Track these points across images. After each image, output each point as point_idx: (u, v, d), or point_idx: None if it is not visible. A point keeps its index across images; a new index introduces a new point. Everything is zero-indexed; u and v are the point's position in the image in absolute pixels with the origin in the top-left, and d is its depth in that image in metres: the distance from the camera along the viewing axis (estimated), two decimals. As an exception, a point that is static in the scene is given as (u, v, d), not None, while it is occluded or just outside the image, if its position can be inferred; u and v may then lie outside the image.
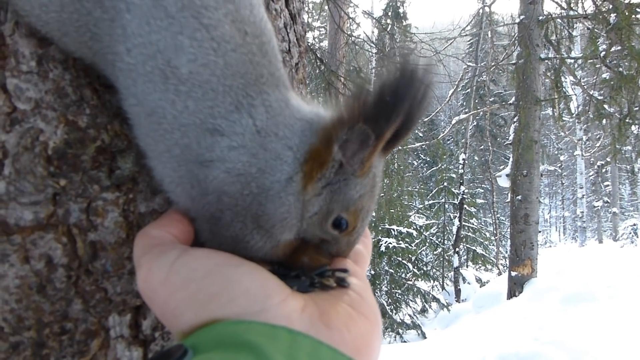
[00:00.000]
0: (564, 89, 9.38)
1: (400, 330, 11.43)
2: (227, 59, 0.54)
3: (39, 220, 0.56)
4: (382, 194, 12.11)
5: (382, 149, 0.56)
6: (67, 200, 0.58)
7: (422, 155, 24.66)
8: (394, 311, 11.80)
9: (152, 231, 0.55)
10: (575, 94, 11.56)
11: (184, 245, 0.53)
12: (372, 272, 11.91)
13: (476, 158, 25.24)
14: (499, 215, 21.04)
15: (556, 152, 30.74)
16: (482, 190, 23.96)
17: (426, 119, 17.96)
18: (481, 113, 15.80)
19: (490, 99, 17.85)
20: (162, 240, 0.53)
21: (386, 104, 0.51)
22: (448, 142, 23.42)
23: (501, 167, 14.11)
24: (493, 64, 11.48)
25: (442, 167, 16.19)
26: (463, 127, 16.01)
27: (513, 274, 9.44)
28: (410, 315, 11.91)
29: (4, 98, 0.54)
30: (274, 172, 0.54)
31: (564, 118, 10.38)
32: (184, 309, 0.45)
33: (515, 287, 9.35)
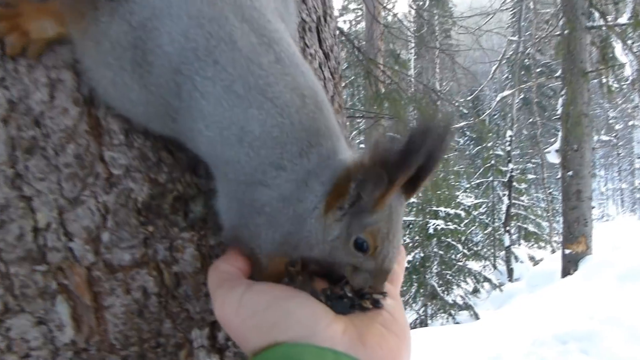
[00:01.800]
0: (614, 58, 9.02)
1: (453, 312, 11.45)
2: (292, 119, 0.67)
3: (135, 260, 0.72)
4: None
5: (405, 190, 0.67)
6: (155, 242, 0.73)
7: (467, 133, 24.09)
8: (446, 292, 11.82)
9: (221, 265, 0.69)
10: (629, 61, 11.05)
11: (248, 280, 0.66)
12: (422, 254, 11.96)
13: (525, 132, 24.50)
14: (551, 190, 20.47)
15: (611, 122, 29.42)
16: (533, 166, 23.27)
17: (470, 97, 17.63)
18: (529, 83, 15.34)
19: (537, 70, 17.28)
20: (230, 274, 0.67)
21: (401, 153, 0.61)
22: (494, 117, 22.77)
23: (552, 140, 13.72)
24: (537, 36, 11.13)
25: (488, 145, 15.87)
26: (509, 103, 15.61)
27: (567, 251, 9.26)
28: (462, 296, 11.90)
29: (103, 167, 0.70)
30: (308, 201, 0.67)
31: (617, 86, 9.99)
32: (252, 335, 0.59)
33: (569, 265, 9.17)
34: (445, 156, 0.69)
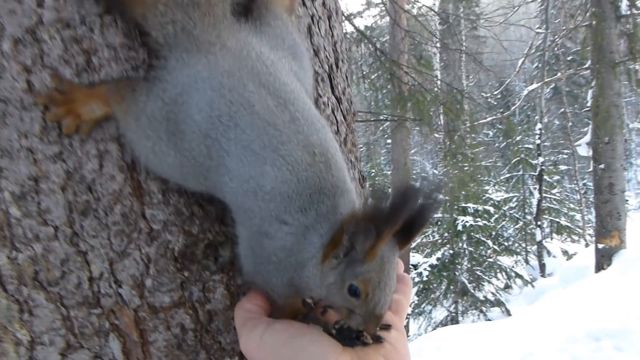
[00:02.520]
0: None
1: (484, 308, 11.40)
2: (299, 176, 0.76)
3: (174, 301, 0.83)
4: (456, 171, 11.98)
5: (399, 241, 0.76)
6: (190, 285, 0.85)
7: (497, 125, 23.67)
8: (476, 289, 11.77)
9: (245, 305, 0.80)
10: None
11: (268, 319, 0.77)
12: (451, 251, 11.93)
13: (556, 122, 23.97)
14: (585, 182, 20.03)
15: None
16: (565, 157, 22.76)
17: (497, 91, 17.38)
18: (558, 74, 15.04)
19: (568, 58, 16.91)
20: (253, 313, 0.78)
21: (387, 210, 0.70)
22: (525, 108, 22.31)
23: (584, 130, 13.45)
24: (564, 27, 10.93)
25: (517, 139, 15.64)
26: (538, 95, 15.34)
27: (600, 246, 9.13)
28: (493, 293, 11.83)
29: (144, 223, 0.82)
30: (306, 251, 0.76)
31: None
32: None
33: (603, 260, 9.04)
34: (433, 215, 0.78)
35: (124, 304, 0.81)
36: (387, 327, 0.78)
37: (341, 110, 1.15)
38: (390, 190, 0.72)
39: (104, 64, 0.79)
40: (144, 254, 0.82)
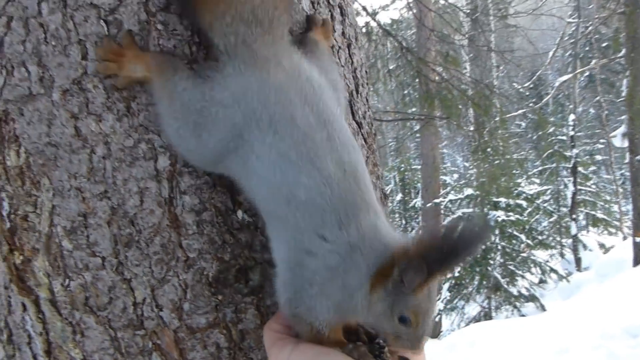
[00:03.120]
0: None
1: (518, 304, 11.26)
2: (333, 189, 0.81)
3: (209, 322, 0.92)
4: (487, 165, 11.84)
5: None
6: (223, 307, 0.93)
7: (530, 116, 23.12)
8: (510, 284, 11.63)
9: (274, 325, 0.87)
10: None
11: (295, 340, 0.83)
12: (483, 246, 11.80)
13: (592, 111, 23.30)
14: (622, 171, 19.45)
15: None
16: (602, 146, 22.10)
17: (528, 82, 17.03)
18: (592, 62, 14.63)
19: (603, 44, 16.42)
20: (281, 332, 0.85)
21: (444, 254, 0.73)
22: (558, 97, 21.73)
23: (621, 118, 13.08)
24: (597, 16, 10.65)
25: (550, 130, 15.29)
26: (571, 85, 14.97)
27: (638, 239, 8.91)
28: (527, 288, 11.67)
29: (182, 252, 0.90)
30: (352, 276, 0.80)
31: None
32: None
33: (640, 254, 8.83)
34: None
35: (164, 325, 0.90)
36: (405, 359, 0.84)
37: (362, 134, 1.21)
38: (447, 229, 0.75)
39: (142, 108, 0.87)
40: (181, 280, 0.90)
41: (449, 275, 11.77)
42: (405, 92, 8.95)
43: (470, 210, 12.06)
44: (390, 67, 8.92)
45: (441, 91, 6.65)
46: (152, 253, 0.89)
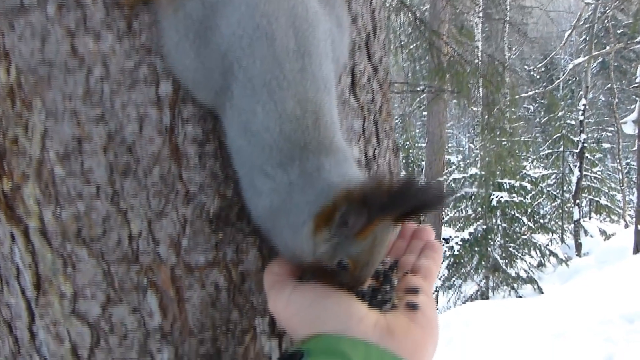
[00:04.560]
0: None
1: (515, 285, 11.29)
2: (283, 128, 0.76)
3: (208, 261, 0.86)
4: (493, 145, 11.73)
5: (393, 219, 0.73)
6: (224, 246, 0.87)
7: (538, 99, 22.90)
8: (509, 265, 11.65)
9: (274, 268, 0.82)
10: None
11: (295, 281, 0.78)
12: (484, 226, 11.80)
13: (602, 98, 23.06)
14: (628, 161, 19.35)
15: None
16: (609, 134, 21.92)
17: (540, 63, 16.82)
18: (606, 48, 14.38)
19: (619, 31, 16.13)
20: (281, 275, 0.80)
21: (387, 199, 0.67)
22: (569, 83, 21.48)
23: (631, 107, 12.93)
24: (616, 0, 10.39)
25: (559, 114, 15.11)
26: (584, 70, 14.73)
27: (640, 227, 8.87)
28: (525, 270, 11.68)
29: (181, 185, 0.84)
30: (295, 215, 0.75)
31: None
32: (298, 327, 0.72)
33: (642, 241, 8.79)
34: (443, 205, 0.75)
35: (161, 261, 0.85)
36: (415, 291, 0.79)
37: (377, 79, 1.14)
38: (393, 177, 0.71)
39: (144, 28, 0.81)
40: (180, 215, 0.85)
41: (447, 254, 11.79)
42: (417, 67, 8.79)
43: (474, 190, 12.02)
44: (403, 41, 8.75)
45: (453, 65, 6.53)
46: (150, 184, 0.83)
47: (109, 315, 0.85)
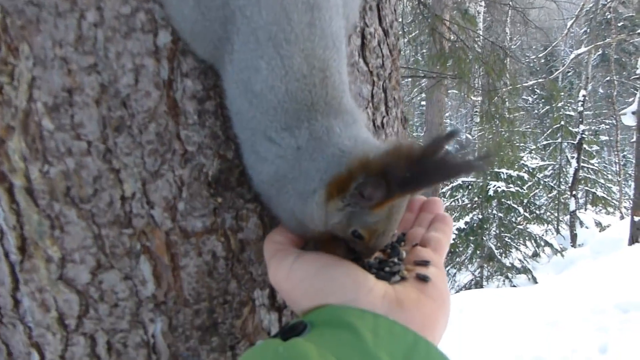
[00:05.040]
0: None
1: (510, 275, 11.32)
2: (289, 87, 0.70)
3: (206, 227, 0.81)
4: (491, 136, 11.69)
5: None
6: (223, 212, 0.82)
7: (537, 91, 22.89)
8: (503, 255, 11.66)
9: (275, 237, 0.77)
10: None
11: (298, 250, 0.73)
12: (480, 216, 11.79)
13: (601, 91, 23.01)
14: (625, 154, 19.38)
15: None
16: (607, 127, 21.92)
17: (541, 54, 16.72)
18: (608, 39, 14.28)
19: (620, 24, 16.02)
20: (283, 244, 0.75)
21: (408, 176, 0.61)
22: (568, 75, 21.42)
23: (630, 100, 12.90)
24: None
25: (559, 105, 15.04)
26: (585, 60, 14.64)
27: (636, 218, 8.88)
28: (520, 260, 11.70)
29: (179, 144, 0.78)
30: (304, 183, 0.70)
31: None
32: (301, 298, 0.67)
33: (638, 233, 8.81)
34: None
35: (155, 225, 0.79)
36: (425, 263, 0.74)
37: (387, 44, 1.08)
38: (417, 149, 0.62)
39: (142, -29, 0.74)
40: (177, 176, 0.79)
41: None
42: (419, 55, 8.69)
43: (470, 179, 11.98)
44: (406, 28, 8.62)
45: (455, 51, 6.43)
46: (146, 142, 0.77)
47: (99, 282, 0.79)
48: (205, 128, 0.80)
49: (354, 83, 0.97)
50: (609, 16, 15.15)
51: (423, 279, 0.70)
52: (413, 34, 8.68)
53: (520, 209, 11.97)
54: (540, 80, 13.76)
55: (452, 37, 6.70)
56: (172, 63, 0.77)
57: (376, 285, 0.66)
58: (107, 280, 0.79)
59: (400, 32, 8.62)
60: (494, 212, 11.88)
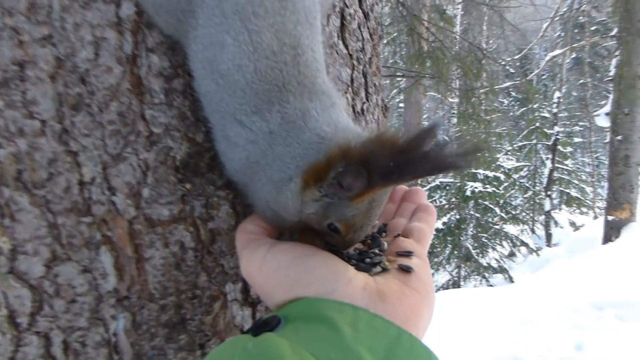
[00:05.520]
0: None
1: (487, 274, 11.41)
2: (258, 65, 0.64)
3: (173, 215, 0.75)
4: (468, 137, 11.80)
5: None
6: (192, 199, 0.76)
7: (513, 93, 23.27)
8: (480, 255, 11.76)
9: (248, 226, 0.71)
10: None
11: (272, 240, 0.68)
12: (458, 216, 11.86)
13: (574, 93, 23.47)
14: (598, 155, 19.77)
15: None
16: (580, 129, 22.37)
17: (517, 56, 16.95)
18: (583, 41, 14.56)
19: (592, 28, 16.36)
20: (256, 234, 0.69)
21: (391, 165, 0.56)
22: (543, 78, 21.79)
23: (602, 103, 13.15)
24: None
25: (534, 106, 15.27)
26: (560, 62, 14.90)
27: (610, 218, 9.01)
28: (497, 260, 11.81)
29: (144, 125, 0.72)
30: (278, 170, 0.65)
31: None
32: (275, 291, 0.62)
33: (612, 232, 8.94)
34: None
35: (117, 213, 0.72)
36: (408, 254, 0.69)
37: (368, 28, 1.04)
38: (402, 138, 0.58)
39: None
40: (141, 160, 0.72)
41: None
42: (397, 56, 8.70)
43: (449, 180, 12.05)
44: (384, 28, 8.62)
45: (434, 51, 6.43)
46: (107, 122, 0.71)
47: (54, 276, 0.72)
48: (173, 108, 0.73)
49: (333, 66, 0.92)
50: (582, 20, 15.47)
51: (406, 270, 0.65)
52: (392, 35, 8.68)
53: (497, 209, 12.09)
54: (516, 82, 13.93)
55: (430, 38, 6.71)
56: (136, 37, 0.71)
57: (356, 277, 0.61)
58: (64, 273, 0.72)
59: (381, 33, 8.61)
60: (471, 212, 11.96)
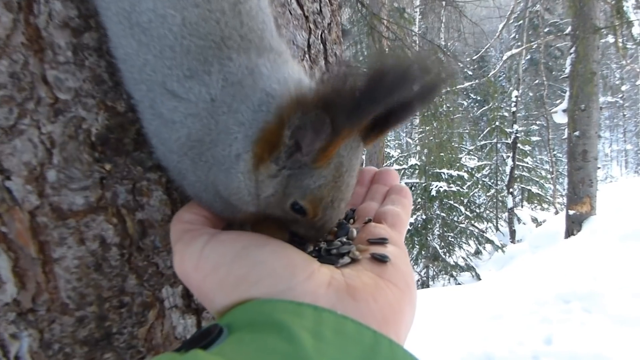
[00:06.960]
0: (626, 15, 8.69)
1: (454, 273, 11.48)
2: (187, 15, 0.52)
3: (89, 203, 0.60)
4: (432, 138, 11.89)
5: (364, 134, 0.53)
6: (114, 183, 0.61)
7: (472, 95, 23.79)
8: (447, 254, 11.83)
9: (185, 215, 0.57)
10: (638, 19, 10.70)
11: (212, 230, 0.54)
12: (424, 216, 11.91)
13: (530, 94, 24.14)
14: (555, 152, 20.33)
15: (617, 83, 28.89)
16: (538, 127, 23.01)
17: (475, 57, 17.30)
18: (535, 46, 14.96)
19: (545, 30, 16.83)
20: (194, 224, 0.55)
21: (355, 96, 0.46)
22: (500, 79, 22.36)
23: (557, 102, 13.51)
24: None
25: (494, 106, 15.59)
26: (515, 63, 15.26)
27: (571, 212, 9.19)
28: (464, 258, 11.91)
29: (46, 89, 0.57)
30: (224, 146, 0.52)
31: (629, 46, 9.75)
32: (215, 292, 0.48)
33: (573, 226, 9.13)
34: (432, 100, 0.51)
35: (14, 203, 0.57)
36: (382, 241, 0.56)
37: (326, -10, 0.91)
38: (363, 68, 0.47)
39: None
40: (44, 134, 0.57)
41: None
42: (358, 52, 8.65)
43: (414, 180, 12.10)
44: (344, 25, 8.54)
45: (394, 50, 6.40)
46: (-5, 86, 0.55)
47: None
48: (84, 69, 0.59)
49: (286, 27, 0.79)
50: (536, 22, 15.92)
51: (380, 259, 0.53)
52: (355, 38, 8.62)
53: (462, 208, 12.19)
54: (476, 82, 14.19)
55: (390, 36, 6.67)
56: (31, -23, 0.56)
57: (319, 270, 0.48)
58: (-54, 283, 0.56)
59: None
60: (437, 212, 12.03)
